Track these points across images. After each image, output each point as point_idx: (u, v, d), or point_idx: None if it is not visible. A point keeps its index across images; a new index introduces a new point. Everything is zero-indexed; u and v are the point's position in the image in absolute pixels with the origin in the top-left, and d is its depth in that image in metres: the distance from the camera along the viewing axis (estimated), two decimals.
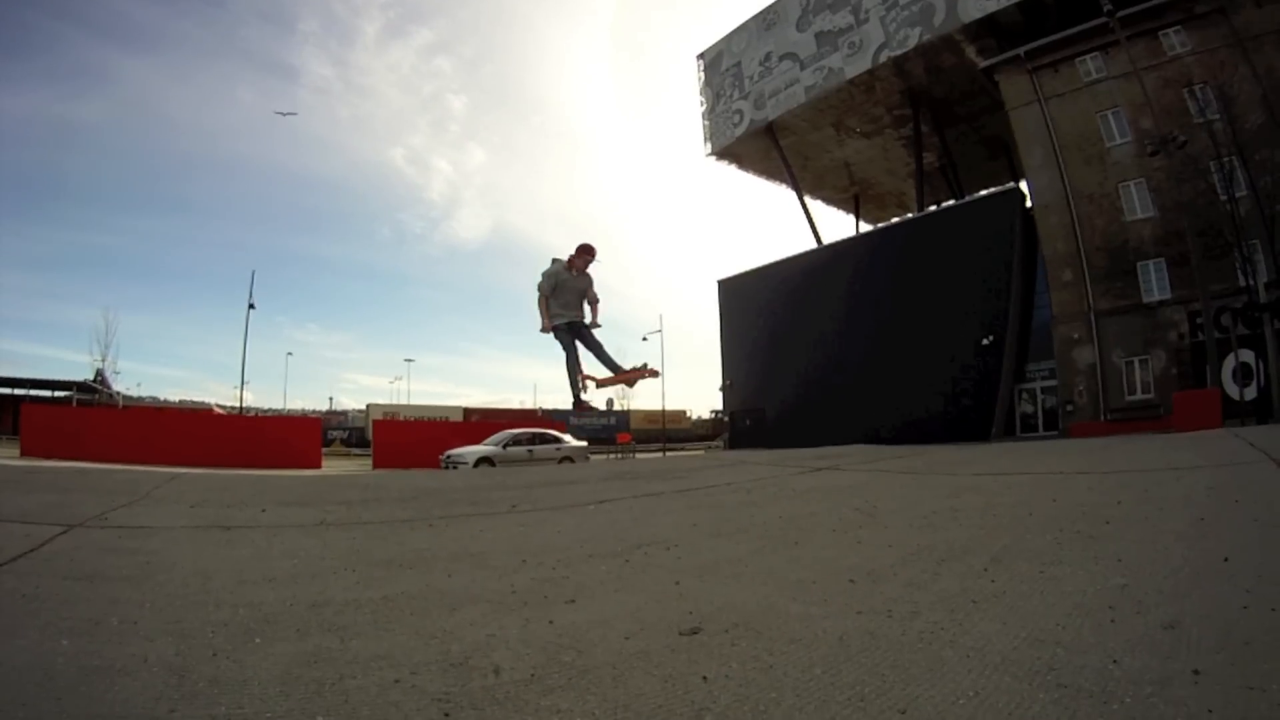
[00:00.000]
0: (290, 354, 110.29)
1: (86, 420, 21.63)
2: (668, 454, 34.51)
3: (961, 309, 27.45)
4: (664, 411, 52.58)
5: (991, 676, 1.34)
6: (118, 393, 50.06)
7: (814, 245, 37.02)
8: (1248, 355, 20.44)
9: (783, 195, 48.49)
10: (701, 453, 22.50)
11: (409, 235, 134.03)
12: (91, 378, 46.94)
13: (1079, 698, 1.22)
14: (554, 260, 6.85)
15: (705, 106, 41.01)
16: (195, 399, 67.02)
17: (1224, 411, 16.74)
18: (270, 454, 19.06)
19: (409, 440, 24.71)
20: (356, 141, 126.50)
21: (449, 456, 19.48)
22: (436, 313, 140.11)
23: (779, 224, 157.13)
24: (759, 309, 35.19)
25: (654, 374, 7.07)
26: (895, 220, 38.85)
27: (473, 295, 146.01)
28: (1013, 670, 1.36)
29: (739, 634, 1.66)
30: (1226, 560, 1.99)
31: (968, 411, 26.85)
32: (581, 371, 6.90)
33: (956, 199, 35.76)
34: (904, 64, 31.81)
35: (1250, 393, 20.16)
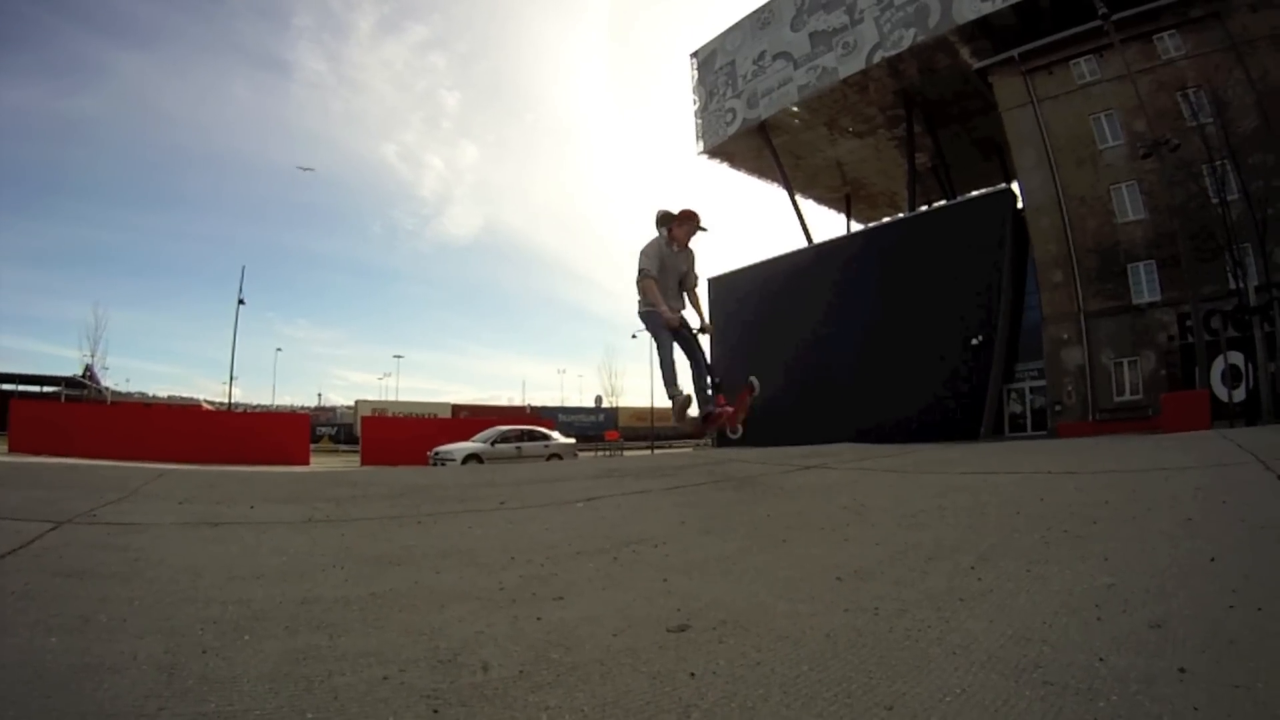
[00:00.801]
0: (279, 350, 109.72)
1: (74, 416, 21.52)
2: (656, 452, 34.50)
3: (951, 309, 27.59)
4: (652, 409, 52.57)
5: (977, 674, 1.36)
6: (106, 388, 49.72)
7: (804, 244, 37.14)
8: (1237, 357, 20.65)
9: (774, 194, 48.79)
10: (690, 451, 22.50)
11: (400, 231, 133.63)
12: (80, 373, 46.60)
13: (1065, 695, 1.23)
14: (659, 227, 5.38)
15: (698, 105, 41.05)
16: (184, 395, 66.66)
17: (1212, 413, 16.90)
18: (258, 450, 19.01)
19: (397, 437, 24.70)
20: (349, 137, 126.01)
21: (437, 453, 19.48)
22: (426, 309, 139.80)
23: (770, 222, 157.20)
24: (749, 307, 35.27)
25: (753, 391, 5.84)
26: (886, 220, 39.02)
27: (463, 292, 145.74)
28: (999, 667, 1.38)
29: (727, 631, 1.67)
30: (1213, 560, 2.01)
31: (956, 411, 27.00)
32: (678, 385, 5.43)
33: (948, 199, 35.94)
34: (898, 64, 31.95)
35: (1239, 395, 20.37)
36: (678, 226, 5.33)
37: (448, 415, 48.02)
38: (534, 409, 58.25)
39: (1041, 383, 27.26)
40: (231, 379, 40.04)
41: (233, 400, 43.28)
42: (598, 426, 53.59)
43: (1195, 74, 23.51)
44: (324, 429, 52.85)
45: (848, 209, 41.77)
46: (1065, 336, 26.30)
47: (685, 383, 5.47)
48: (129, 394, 59.01)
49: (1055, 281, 26.43)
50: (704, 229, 5.42)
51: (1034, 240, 26.86)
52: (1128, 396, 25.22)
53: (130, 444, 16.97)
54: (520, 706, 1.24)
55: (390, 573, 2.38)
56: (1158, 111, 22.69)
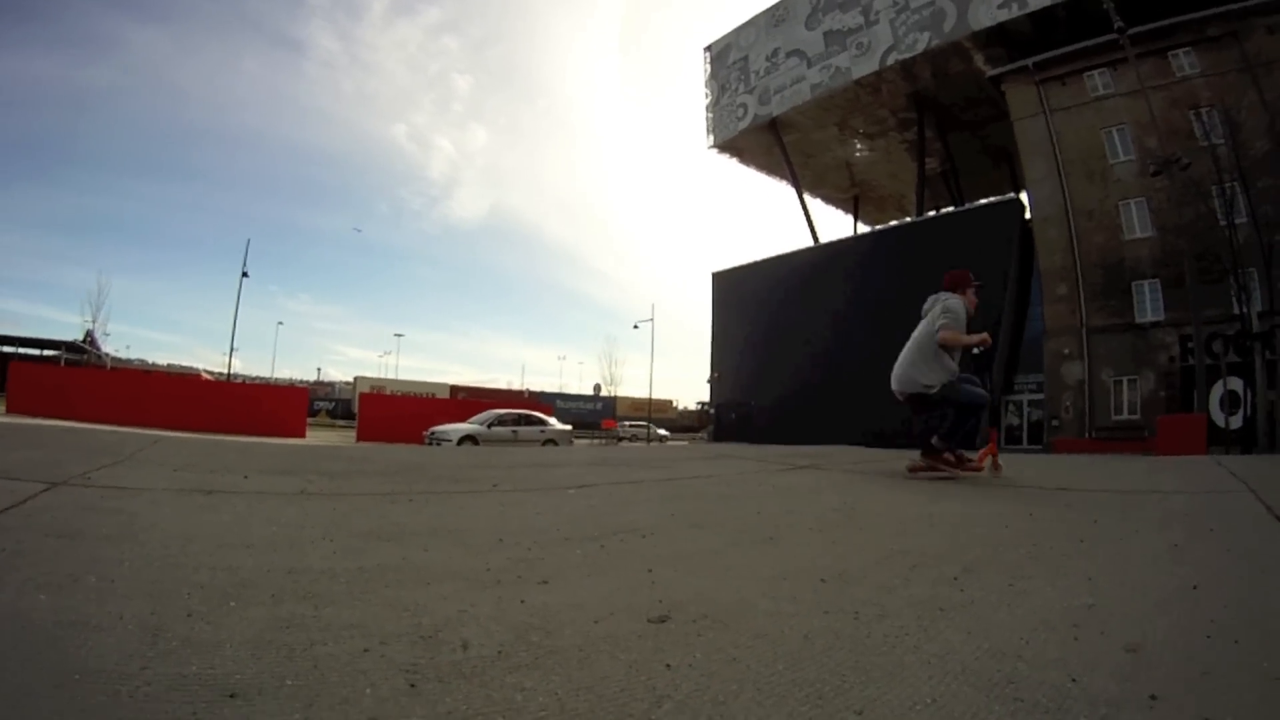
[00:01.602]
0: (281, 323, 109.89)
1: (73, 380, 21.59)
2: (652, 443, 34.54)
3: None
4: (650, 400, 52.67)
5: (951, 684, 1.37)
6: (106, 354, 49.88)
7: (810, 243, 37.12)
8: (1236, 383, 20.65)
9: (782, 191, 48.48)
10: (686, 444, 22.50)
11: (407, 211, 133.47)
12: (81, 338, 46.73)
13: (1034, 712, 1.25)
14: (957, 289, 5.46)
15: (710, 99, 40.98)
16: (184, 364, 66.76)
17: (1209, 438, 16.93)
18: (255, 421, 19.07)
19: (394, 414, 24.77)
20: (361, 116, 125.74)
21: (433, 433, 19.53)
22: (430, 290, 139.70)
23: (776, 219, 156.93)
24: (753, 303, 35.28)
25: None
26: (894, 223, 39.01)
27: (467, 274, 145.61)
28: (972, 680, 1.39)
29: (706, 625, 1.68)
30: (1195, 588, 2.03)
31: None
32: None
33: (956, 205, 35.91)
34: (911, 68, 31.88)
35: (1236, 421, 20.38)
36: (975, 293, 5.38)
37: (446, 395, 48.10)
38: (532, 394, 58.36)
39: (1040, 396, 27.27)
40: (232, 350, 40.27)
41: (232, 371, 43.40)
42: (595, 415, 53.68)
43: (1209, 93, 23.47)
44: (322, 404, 53.00)
45: (855, 210, 41.75)
46: (1066, 351, 26.30)
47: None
48: (129, 360, 59.14)
49: (1059, 294, 26.42)
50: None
51: (1040, 252, 26.86)
52: (1125, 416, 25.24)
53: (129, 410, 17.03)
54: (496, 685, 1.26)
55: (379, 548, 2.40)
56: (1169, 129, 22.62)
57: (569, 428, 23.42)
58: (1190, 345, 23.95)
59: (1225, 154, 21.91)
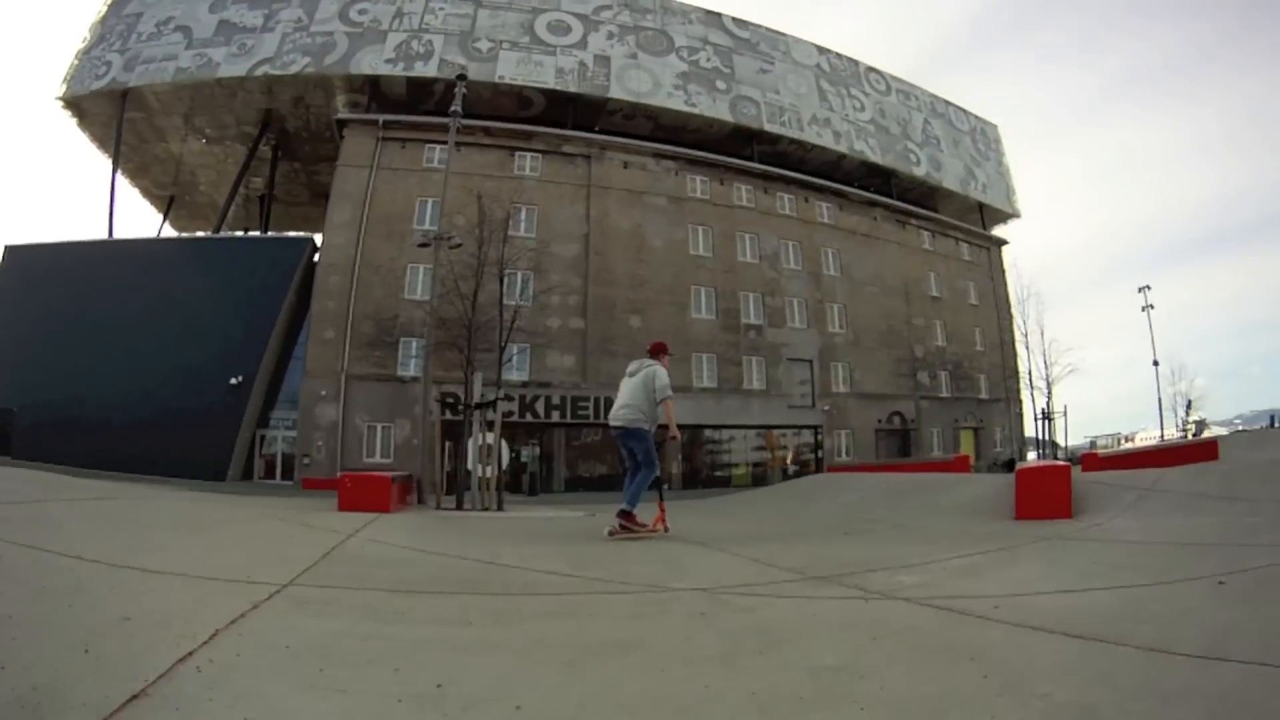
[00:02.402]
0: None
1: None
2: None
3: (224, 342, 25.78)
4: None
5: None
6: None
7: (106, 235, 32.27)
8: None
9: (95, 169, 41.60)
10: None
11: None
12: None
13: None
14: (658, 356, 6.61)
15: (85, 43, 34.28)
16: None
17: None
18: None
19: None
20: None
21: None
22: None
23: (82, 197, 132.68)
24: (47, 291, 28.65)
25: None
26: (197, 235, 36.58)
27: None
28: None
29: None
30: None
31: (208, 449, 24.67)
32: None
33: (261, 230, 35.21)
34: (275, 86, 30.57)
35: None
36: (669, 357, 6.71)
37: None
38: None
39: (294, 433, 26.51)
40: None
41: None
42: None
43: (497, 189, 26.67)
44: None
45: (167, 211, 38.07)
46: (324, 393, 26.10)
47: None
48: None
49: (325, 338, 26.36)
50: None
51: (316, 294, 26.68)
52: (378, 459, 25.68)
53: None
54: None
55: None
56: (466, 213, 24.70)
57: None
58: (449, 400, 25.60)
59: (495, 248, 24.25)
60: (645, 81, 30.82)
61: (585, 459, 27.66)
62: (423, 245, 22.65)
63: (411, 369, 26.67)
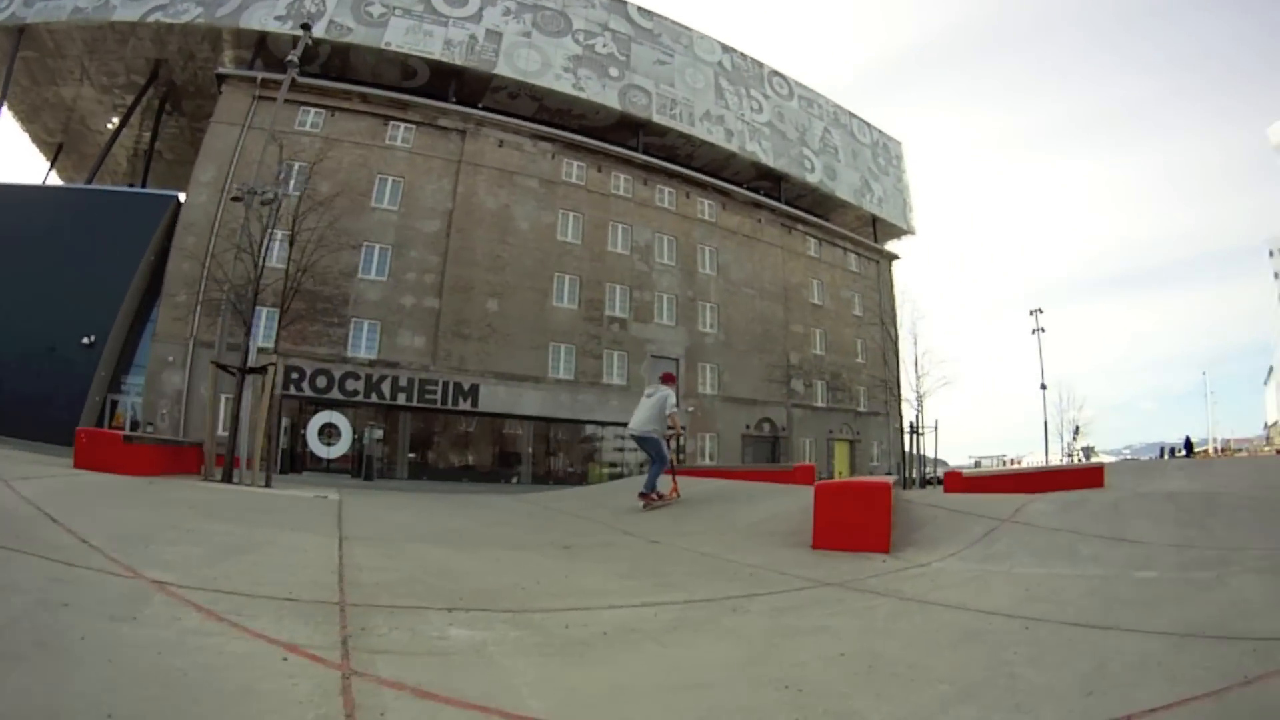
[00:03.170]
0: None
1: None
2: None
3: (80, 299, 24.73)
4: None
5: None
6: None
7: None
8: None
9: None
10: None
11: None
12: None
13: None
14: (668, 384, 8.89)
15: None
16: None
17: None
18: None
19: None
20: None
21: None
22: None
23: None
24: None
25: None
26: (61, 185, 35.25)
27: None
28: None
29: None
30: None
31: (56, 410, 23.63)
32: None
33: (135, 185, 34.08)
34: (166, 34, 29.46)
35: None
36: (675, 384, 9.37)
37: None
38: None
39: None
40: None
41: None
42: None
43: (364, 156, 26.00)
44: None
45: (54, 159, 36.70)
46: (170, 359, 25.16)
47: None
48: None
49: (177, 300, 25.42)
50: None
51: (172, 254, 25.70)
52: (221, 431, 24.83)
53: None
54: None
55: None
56: (336, 178, 24.27)
57: None
58: (291, 376, 24.99)
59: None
60: (535, 61, 30.23)
61: (433, 447, 27.15)
62: (235, 199, 21.73)
63: (260, 339, 25.89)
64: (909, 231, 41.41)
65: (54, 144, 35.67)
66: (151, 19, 29.31)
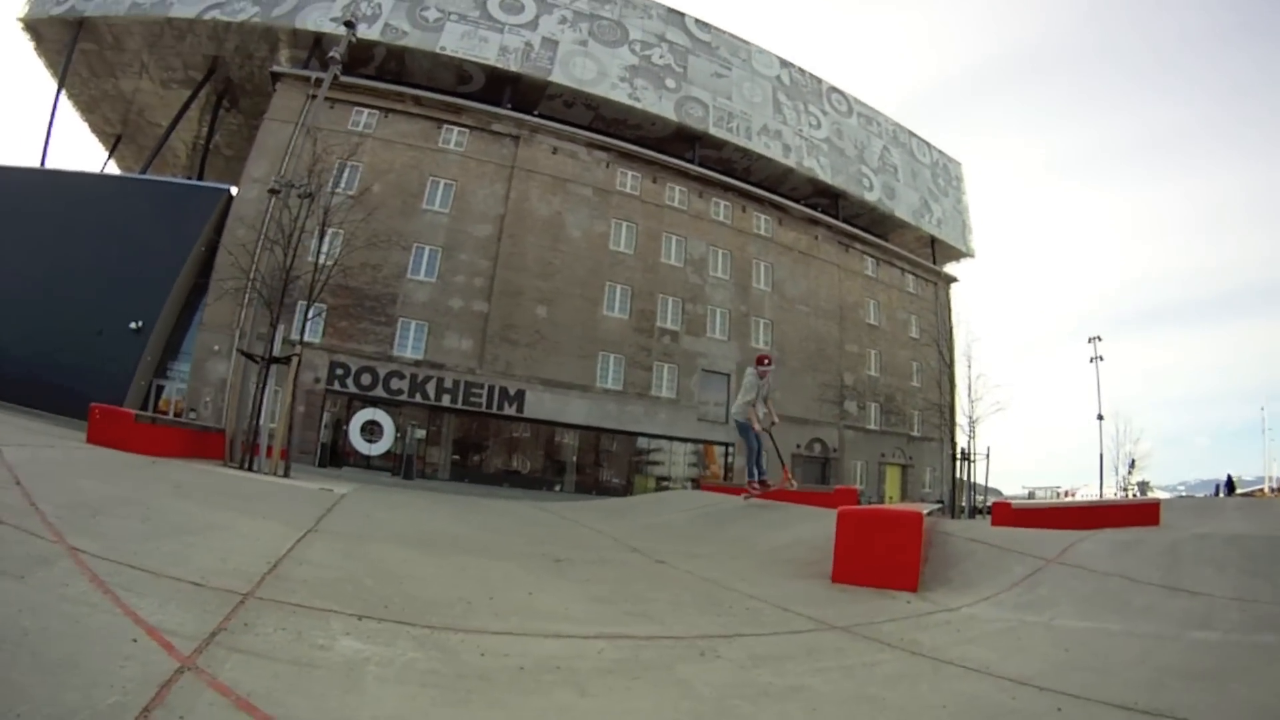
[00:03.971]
0: None
1: None
2: None
3: (130, 285, 24.88)
4: None
5: None
6: None
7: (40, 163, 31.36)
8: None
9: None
10: None
11: None
12: None
13: None
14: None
15: None
16: None
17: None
18: None
19: None
20: None
21: None
22: None
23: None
24: None
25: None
26: (119, 174, 35.57)
27: None
28: None
29: None
30: None
31: (102, 391, 23.58)
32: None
33: (193, 177, 34.36)
34: (222, 33, 29.78)
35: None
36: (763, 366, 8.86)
37: None
38: None
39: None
40: None
41: None
42: None
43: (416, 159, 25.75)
44: None
45: (113, 149, 37.23)
46: (216, 348, 25.04)
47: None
48: None
49: (226, 289, 25.21)
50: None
51: (222, 246, 25.66)
52: (263, 420, 24.65)
53: None
54: None
55: None
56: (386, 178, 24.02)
57: None
58: (337, 372, 24.81)
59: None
60: (590, 70, 29.91)
61: (477, 450, 26.48)
62: (272, 192, 21.53)
63: (306, 333, 25.60)
64: (968, 254, 40.23)
65: (113, 134, 36.28)
66: (208, 16, 29.68)
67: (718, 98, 32.15)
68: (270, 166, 26.82)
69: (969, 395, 31.05)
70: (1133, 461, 39.35)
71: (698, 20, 33.58)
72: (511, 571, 4.32)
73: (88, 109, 34.79)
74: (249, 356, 14.03)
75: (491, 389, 25.38)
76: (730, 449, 28.94)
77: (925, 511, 5.19)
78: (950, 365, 33.66)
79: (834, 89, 36.93)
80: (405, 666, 2.23)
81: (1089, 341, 35.92)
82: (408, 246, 26.06)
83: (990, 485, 35.00)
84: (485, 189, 27.36)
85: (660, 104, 30.58)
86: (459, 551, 5.07)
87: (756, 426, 8.60)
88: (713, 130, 31.35)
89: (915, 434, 34.97)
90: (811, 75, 36.27)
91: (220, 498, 5.84)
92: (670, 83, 31.28)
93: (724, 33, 34.19)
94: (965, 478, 32.59)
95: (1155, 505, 11.02)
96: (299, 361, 13.47)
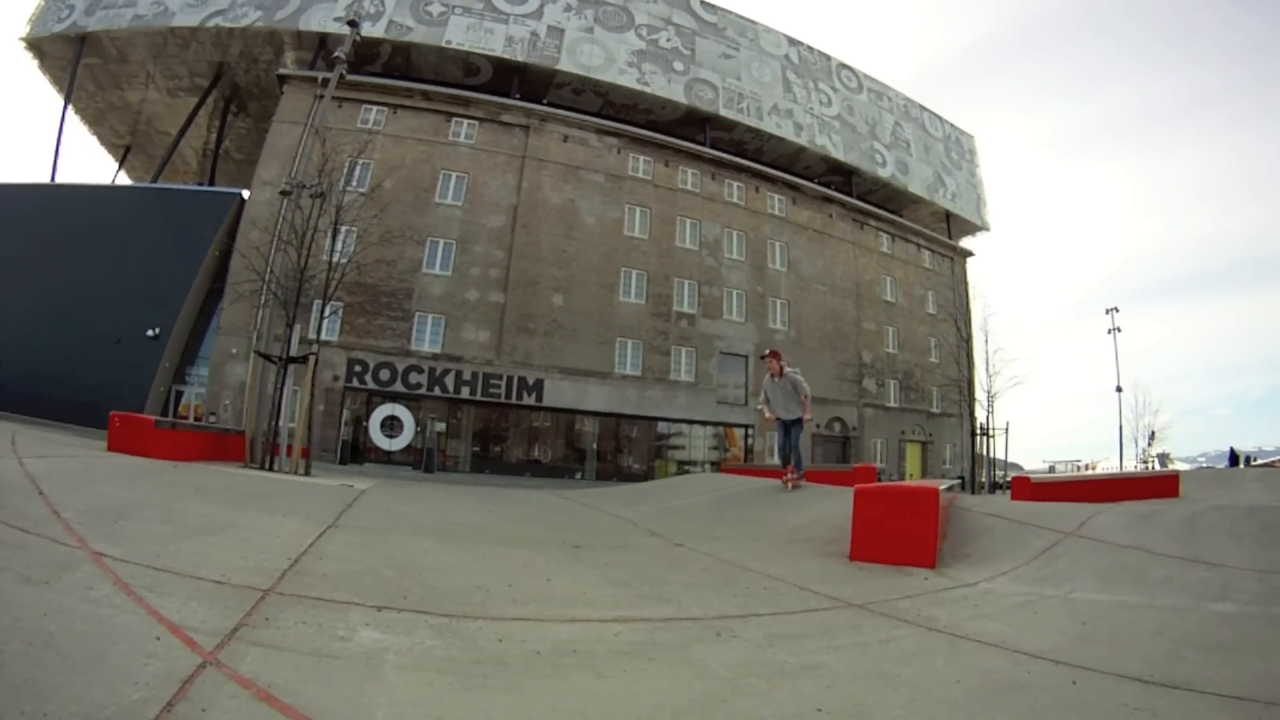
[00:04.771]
0: None
1: None
2: None
3: (147, 293, 25.09)
4: None
5: None
6: None
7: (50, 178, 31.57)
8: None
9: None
10: None
11: None
12: None
13: None
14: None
15: None
16: None
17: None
18: None
19: None
20: None
21: None
22: None
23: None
24: None
25: None
26: (130, 184, 35.80)
27: None
28: None
29: None
30: None
31: (121, 400, 23.85)
32: None
33: (203, 184, 34.52)
34: (226, 38, 29.80)
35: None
36: (771, 362, 8.68)
37: None
38: None
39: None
40: None
41: None
42: None
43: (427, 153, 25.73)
44: None
45: (123, 160, 37.47)
46: (234, 351, 25.19)
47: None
48: None
49: (241, 292, 25.35)
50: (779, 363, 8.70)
51: (236, 249, 25.77)
52: (283, 422, 24.81)
53: None
54: None
55: None
56: (397, 173, 24.27)
57: None
58: (355, 369, 24.90)
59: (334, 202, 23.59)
60: (598, 56, 29.69)
61: (497, 441, 26.50)
62: (284, 193, 21.53)
63: (323, 332, 25.69)
64: (984, 228, 39.70)
65: (122, 145, 36.51)
66: (211, 24, 29.71)
67: (727, 79, 31.82)
68: (281, 168, 26.84)
69: (987, 370, 30.76)
70: (1152, 433, 38.84)
71: (703, 2, 33.21)
72: (530, 559, 4.32)
73: (95, 122, 35.00)
74: (266, 358, 14.10)
75: (510, 379, 25.40)
76: (750, 431, 28.83)
77: (942, 487, 5.13)
78: (968, 340, 33.32)
79: (843, 65, 36.45)
80: (423, 654, 2.27)
81: (1106, 313, 35.40)
82: (422, 241, 26.08)
83: (1010, 460, 34.60)
84: (497, 180, 27.28)
85: (669, 87, 30.32)
86: (478, 541, 5.07)
87: (765, 420, 9.05)
88: (723, 112, 31.05)
89: (935, 410, 34.66)
90: (820, 53, 35.82)
91: (241, 498, 5.88)
92: (678, 66, 31.00)
93: (730, 13, 33.80)
94: (985, 453, 32.28)
95: (1175, 477, 11.06)
96: (316, 360, 13.54)
